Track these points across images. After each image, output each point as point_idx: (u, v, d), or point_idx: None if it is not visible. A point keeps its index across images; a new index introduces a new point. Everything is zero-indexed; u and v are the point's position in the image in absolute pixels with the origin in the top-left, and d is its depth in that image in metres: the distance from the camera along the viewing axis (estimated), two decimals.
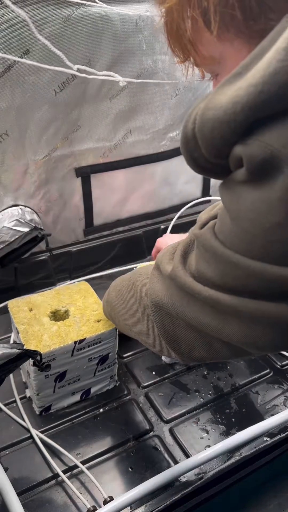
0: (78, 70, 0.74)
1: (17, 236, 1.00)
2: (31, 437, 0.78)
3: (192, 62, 0.47)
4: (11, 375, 0.87)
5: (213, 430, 0.81)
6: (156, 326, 0.54)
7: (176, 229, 1.18)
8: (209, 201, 1.26)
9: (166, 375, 0.92)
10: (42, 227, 1.05)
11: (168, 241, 1.03)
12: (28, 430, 0.78)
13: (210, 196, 1.34)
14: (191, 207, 1.22)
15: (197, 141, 0.39)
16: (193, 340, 0.50)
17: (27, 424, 0.79)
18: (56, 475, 0.72)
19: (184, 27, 0.43)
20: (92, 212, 1.18)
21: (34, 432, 0.78)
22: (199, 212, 1.40)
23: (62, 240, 1.17)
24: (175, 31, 0.44)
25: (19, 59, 0.81)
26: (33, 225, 1.02)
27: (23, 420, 0.80)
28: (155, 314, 0.53)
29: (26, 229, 1.01)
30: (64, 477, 0.71)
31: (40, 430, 0.79)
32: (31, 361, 0.68)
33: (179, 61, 0.48)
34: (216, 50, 0.43)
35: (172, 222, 1.20)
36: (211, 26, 0.40)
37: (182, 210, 1.21)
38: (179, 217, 1.21)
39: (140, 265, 1.08)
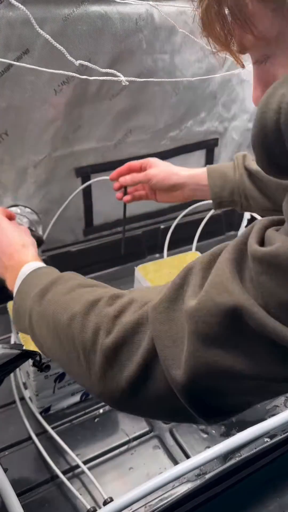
0: (80, 65, 0.74)
1: None
2: (31, 438, 0.78)
3: (235, 48, 0.42)
4: (11, 375, 0.87)
5: (213, 431, 0.80)
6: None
7: (178, 229, 1.17)
8: None
9: None
10: (41, 229, 1.04)
11: (162, 164, 0.94)
12: (28, 431, 0.78)
13: None
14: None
15: (282, 134, 0.33)
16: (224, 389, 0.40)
17: (27, 425, 0.79)
18: (56, 476, 0.72)
19: (243, 2, 0.38)
20: (92, 212, 1.18)
21: (34, 433, 0.78)
22: (200, 211, 1.40)
23: (61, 240, 1.17)
24: (223, 12, 0.40)
25: (16, 63, 0.81)
26: (32, 228, 1.01)
27: (23, 421, 0.80)
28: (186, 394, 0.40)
29: None
30: (64, 478, 0.71)
31: (39, 431, 0.79)
32: (30, 361, 0.68)
33: (219, 49, 0.43)
34: (274, 27, 0.38)
35: (176, 221, 1.19)
36: None
37: (187, 210, 1.19)
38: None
39: (140, 266, 1.07)
